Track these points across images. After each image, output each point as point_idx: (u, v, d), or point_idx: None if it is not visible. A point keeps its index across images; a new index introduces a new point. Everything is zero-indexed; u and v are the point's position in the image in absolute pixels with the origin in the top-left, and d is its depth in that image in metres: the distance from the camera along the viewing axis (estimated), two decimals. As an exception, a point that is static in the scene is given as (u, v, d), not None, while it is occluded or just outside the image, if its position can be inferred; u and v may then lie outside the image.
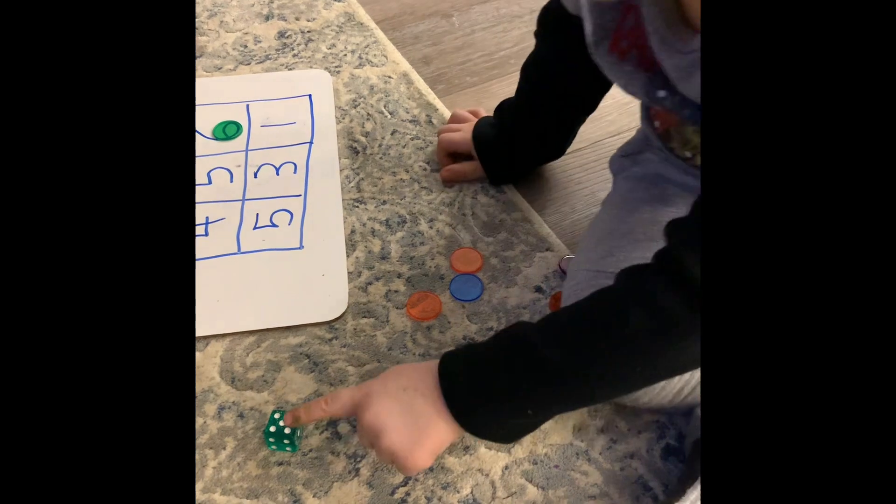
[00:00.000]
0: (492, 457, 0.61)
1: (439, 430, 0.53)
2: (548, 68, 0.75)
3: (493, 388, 0.52)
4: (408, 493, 0.59)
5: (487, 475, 0.60)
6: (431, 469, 0.60)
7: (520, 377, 0.51)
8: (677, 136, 0.65)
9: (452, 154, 0.80)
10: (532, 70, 0.77)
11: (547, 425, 0.62)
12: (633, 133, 0.84)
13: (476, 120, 0.81)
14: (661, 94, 0.57)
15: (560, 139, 0.80)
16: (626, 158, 0.74)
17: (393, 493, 0.59)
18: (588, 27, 0.57)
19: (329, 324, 0.69)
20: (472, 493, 0.59)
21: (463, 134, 0.80)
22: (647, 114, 0.68)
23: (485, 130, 0.79)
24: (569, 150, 0.82)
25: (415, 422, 0.52)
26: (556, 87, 0.75)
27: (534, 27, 0.75)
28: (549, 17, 0.73)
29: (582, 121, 0.78)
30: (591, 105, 0.77)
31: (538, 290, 0.72)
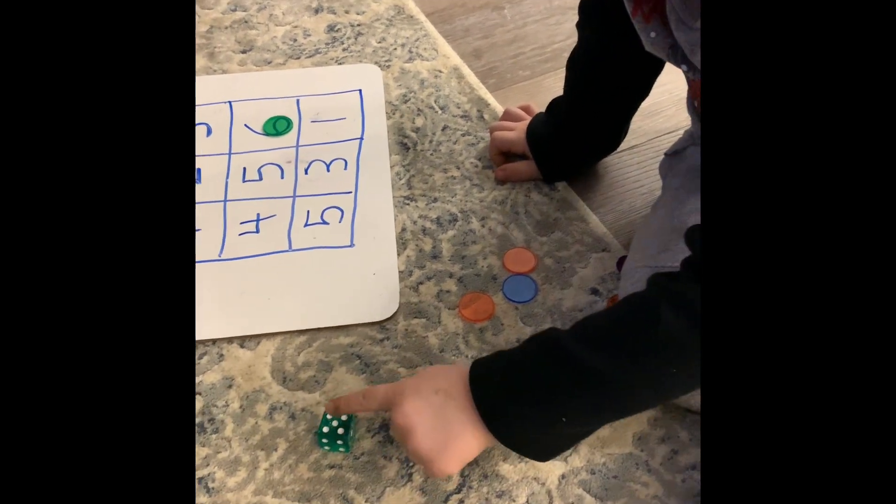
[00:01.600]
0: (548, 465, 0.59)
1: (467, 438, 0.52)
2: (594, 58, 0.73)
3: (524, 392, 0.51)
4: (461, 501, 0.58)
5: (544, 484, 0.58)
6: (486, 476, 0.59)
7: (552, 380, 0.50)
8: None
9: (506, 153, 0.79)
10: (579, 62, 0.75)
11: (606, 433, 0.60)
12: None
13: (529, 118, 0.79)
14: (684, 67, 0.58)
15: (615, 130, 0.77)
16: (672, 157, 0.73)
17: (447, 500, 0.58)
18: None
19: (380, 324, 0.67)
20: (527, 502, 0.58)
21: (517, 133, 0.78)
22: (689, 97, 0.67)
23: (538, 128, 0.77)
24: (624, 146, 0.80)
25: (444, 426, 0.52)
26: (604, 76, 0.73)
27: None
28: (589, 5, 0.72)
29: (636, 108, 0.76)
30: (643, 90, 0.75)
31: (594, 292, 0.70)
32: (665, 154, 0.74)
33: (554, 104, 0.77)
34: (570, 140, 0.76)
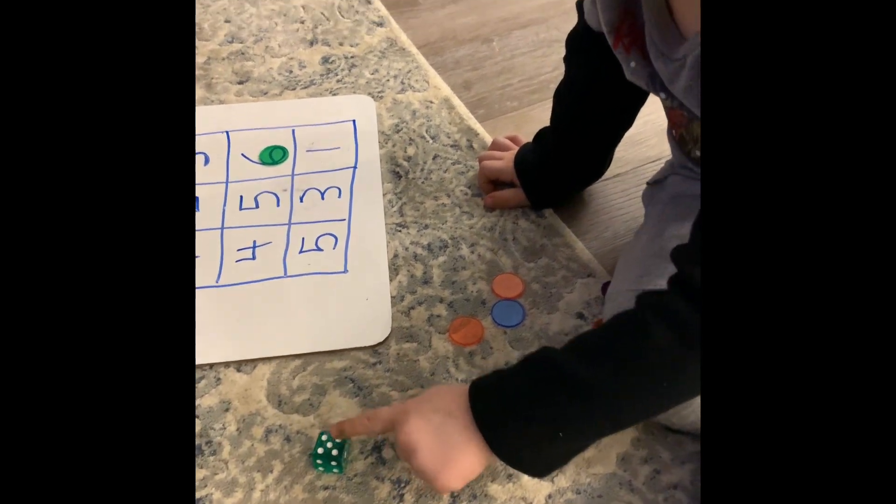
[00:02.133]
0: (535, 485, 0.61)
1: (469, 455, 0.54)
2: (580, 90, 0.76)
3: (521, 408, 0.53)
4: (451, 520, 0.60)
5: None
6: (475, 496, 0.60)
7: (548, 396, 0.52)
8: (689, 137, 0.68)
9: (494, 181, 0.81)
10: (565, 94, 0.78)
11: (590, 453, 0.62)
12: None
13: (516, 148, 0.82)
14: (662, 95, 0.61)
15: (600, 159, 0.80)
16: (653, 186, 0.76)
17: (437, 519, 0.60)
18: (602, 18, 0.62)
19: (373, 348, 0.70)
20: (515, 520, 0.60)
21: (505, 162, 0.81)
22: (669, 127, 0.71)
23: (526, 157, 0.80)
24: (609, 175, 0.83)
25: (446, 444, 0.54)
26: (590, 108, 0.76)
27: None
28: (576, 40, 0.75)
29: (619, 138, 0.79)
30: (627, 122, 0.78)
31: (580, 316, 0.72)
32: (647, 183, 0.77)
33: (541, 134, 0.80)
34: (557, 168, 0.79)
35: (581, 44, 0.74)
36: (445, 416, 0.54)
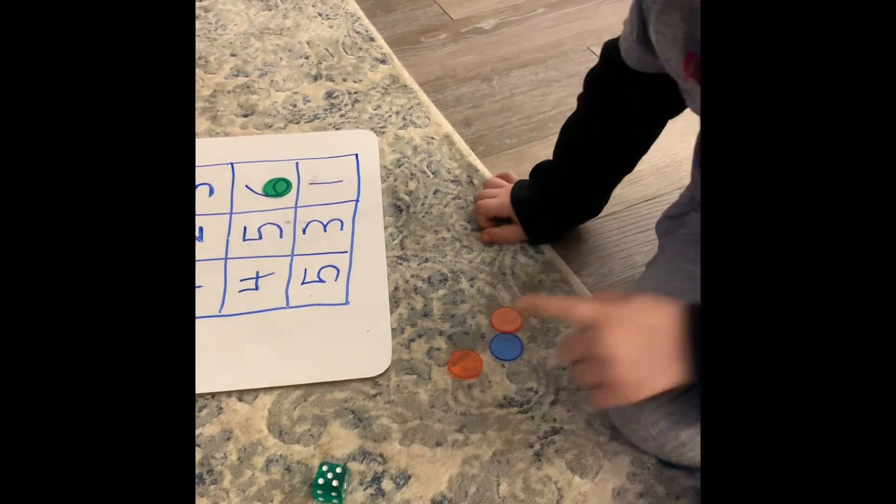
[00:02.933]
0: (533, 518, 0.62)
1: (669, 378, 0.53)
2: (591, 130, 0.78)
3: None
4: (450, 552, 0.60)
5: (528, 536, 0.61)
6: (473, 528, 0.61)
7: None
8: None
9: (492, 218, 0.83)
10: (575, 129, 0.79)
11: (587, 487, 0.63)
12: (669, 197, 0.87)
13: (509, 185, 0.84)
14: None
15: (598, 197, 0.82)
16: (672, 220, 0.76)
17: (435, 551, 0.60)
18: (663, 56, 0.63)
19: (373, 379, 0.71)
20: (512, 554, 0.60)
21: (500, 199, 0.82)
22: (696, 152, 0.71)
23: (523, 192, 0.82)
24: (606, 213, 0.85)
25: (650, 364, 0.53)
26: (597, 148, 0.78)
27: (571, 91, 0.79)
28: (597, 78, 0.77)
29: (619, 180, 0.81)
30: (630, 165, 0.80)
31: (577, 351, 0.73)
32: (664, 215, 0.78)
33: (539, 169, 0.82)
34: (556, 204, 0.81)
35: (603, 82, 0.76)
36: (652, 336, 0.54)
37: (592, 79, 0.78)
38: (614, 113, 0.74)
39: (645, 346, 0.53)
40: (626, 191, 0.88)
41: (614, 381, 0.54)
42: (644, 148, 0.78)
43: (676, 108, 0.73)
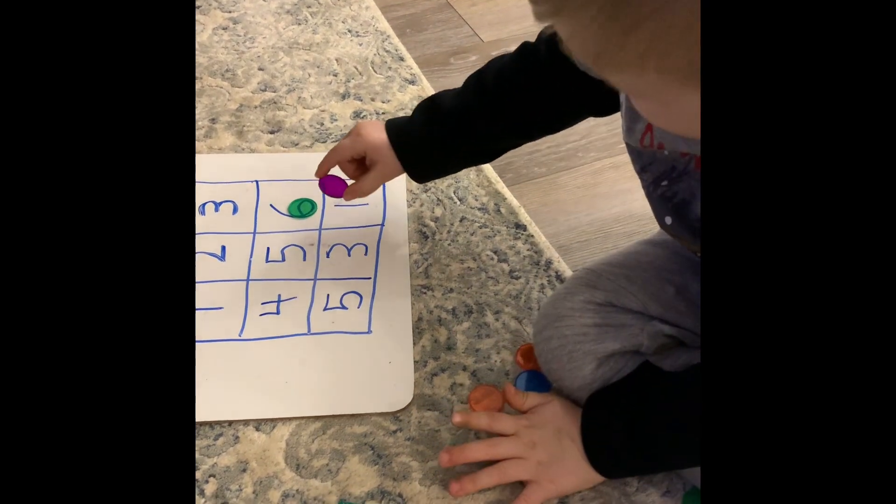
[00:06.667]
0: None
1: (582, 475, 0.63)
2: (517, 94, 0.70)
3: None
4: None
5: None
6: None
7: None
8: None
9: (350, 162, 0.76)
10: (509, 71, 0.71)
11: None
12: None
13: (363, 127, 0.75)
14: (668, 220, 0.58)
15: (493, 150, 0.76)
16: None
17: None
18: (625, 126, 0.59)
19: (394, 414, 0.69)
20: None
21: (354, 139, 0.75)
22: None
23: (404, 127, 0.74)
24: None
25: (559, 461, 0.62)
26: (513, 112, 0.71)
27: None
28: (535, 54, 0.69)
29: (519, 145, 0.76)
30: (533, 137, 0.76)
31: (603, 393, 0.71)
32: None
33: (432, 106, 0.74)
34: (452, 148, 0.73)
35: (541, 62, 0.68)
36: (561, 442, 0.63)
37: (532, 50, 0.69)
38: (546, 92, 0.68)
39: (557, 447, 0.62)
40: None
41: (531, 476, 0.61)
42: (556, 130, 0.74)
43: (608, 111, 0.68)
